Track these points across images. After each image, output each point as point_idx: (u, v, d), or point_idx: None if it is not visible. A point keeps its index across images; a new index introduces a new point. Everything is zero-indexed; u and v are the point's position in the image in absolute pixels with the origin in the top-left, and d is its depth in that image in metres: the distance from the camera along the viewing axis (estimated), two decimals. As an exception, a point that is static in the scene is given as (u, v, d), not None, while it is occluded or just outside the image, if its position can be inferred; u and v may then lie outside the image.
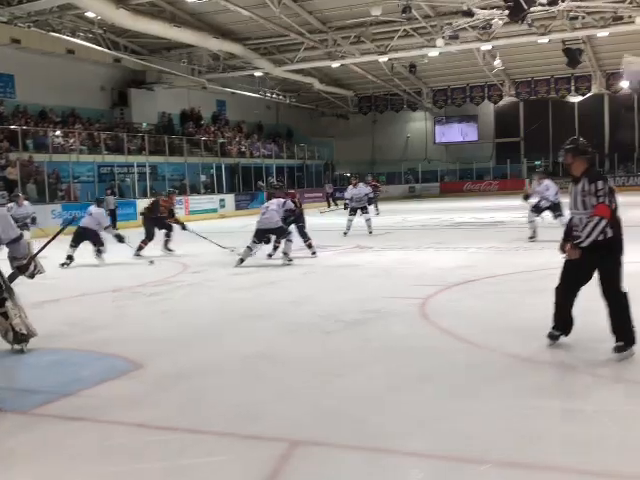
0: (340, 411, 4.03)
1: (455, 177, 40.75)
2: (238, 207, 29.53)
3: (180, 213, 26.08)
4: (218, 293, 8.66)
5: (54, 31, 22.21)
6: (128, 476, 3.29)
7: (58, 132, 24.58)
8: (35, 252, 5.27)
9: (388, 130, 42.32)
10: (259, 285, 9.10)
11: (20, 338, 5.46)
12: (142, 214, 13.99)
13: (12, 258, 5.17)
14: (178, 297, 8.40)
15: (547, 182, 12.78)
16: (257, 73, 30.96)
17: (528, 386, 4.36)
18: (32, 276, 5.25)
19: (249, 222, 16.43)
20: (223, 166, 30.64)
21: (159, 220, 13.33)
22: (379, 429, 3.72)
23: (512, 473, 3.20)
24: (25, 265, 5.13)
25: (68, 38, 22.96)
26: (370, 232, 15.44)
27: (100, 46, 24.40)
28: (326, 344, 5.71)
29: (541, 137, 39.43)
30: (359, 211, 15.81)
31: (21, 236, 5.16)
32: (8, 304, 5.36)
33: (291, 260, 10.88)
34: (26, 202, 14.28)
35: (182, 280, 9.74)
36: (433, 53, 28.43)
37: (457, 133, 42.17)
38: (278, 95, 36.48)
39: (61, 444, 3.70)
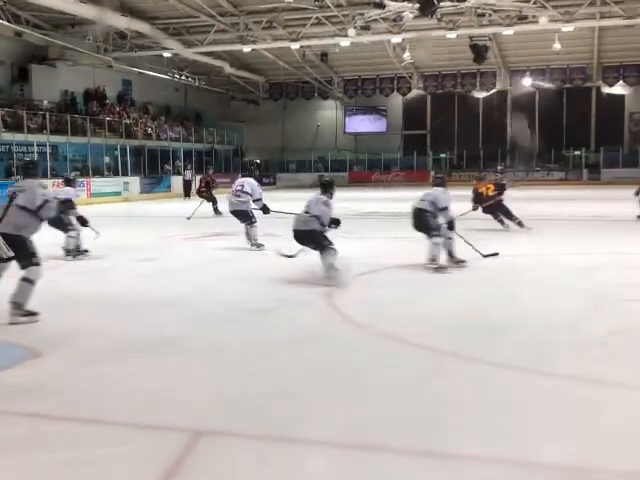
0: (243, 400, 4.00)
1: (364, 167, 41.22)
2: (143, 190, 28.87)
3: (81, 195, 25.32)
4: (121, 279, 8.43)
5: (-51, -1, 20.99)
6: (26, 468, 3.16)
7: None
8: None
9: (299, 117, 42.31)
10: (163, 272, 8.92)
11: None
12: None
13: None
14: (78, 282, 8.12)
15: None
16: (166, 54, 30.29)
17: (430, 374, 4.46)
18: None
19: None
20: (128, 148, 29.82)
21: None
22: (282, 418, 3.72)
23: (413, 461, 3.24)
24: None
25: (-36, 8, 21.75)
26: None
27: (0, 19, 23.21)
28: (230, 333, 5.64)
29: (447, 130, 40.42)
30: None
31: None
32: None
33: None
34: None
35: (83, 264, 9.43)
36: (345, 43, 28.61)
37: (366, 124, 42.60)
38: (187, 77, 35.82)
39: (-52, 437, 3.50)
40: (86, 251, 10.03)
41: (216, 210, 17.76)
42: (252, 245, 10.80)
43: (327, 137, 42.37)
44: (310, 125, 42.73)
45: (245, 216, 10.96)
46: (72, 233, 9.88)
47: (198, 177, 27.63)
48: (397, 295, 7.17)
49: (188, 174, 29.06)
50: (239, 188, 11.08)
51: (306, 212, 8.04)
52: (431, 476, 3.10)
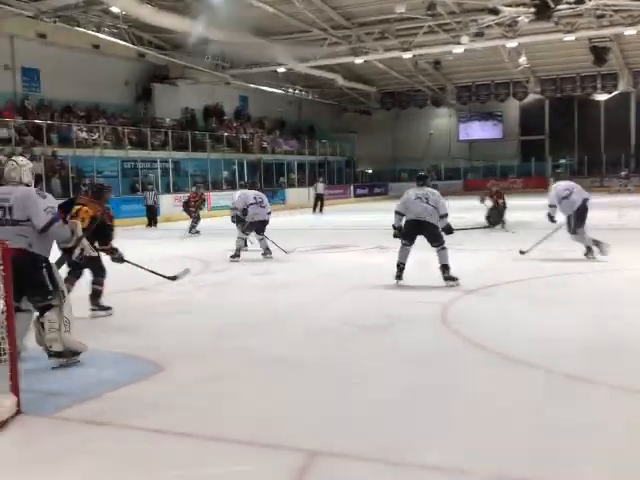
0: (358, 420, 4.01)
1: (479, 175, 40.48)
2: (259, 203, 29.57)
3: (203, 210, 26.27)
4: (239, 294, 8.67)
5: (79, 26, 22.38)
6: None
7: (82, 127, 24.75)
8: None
9: (411, 126, 42.16)
10: (277, 287, 9.11)
11: (51, 354, 5.12)
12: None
13: (57, 242, 5.08)
14: (200, 297, 8.42)
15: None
16: (280, 69, 30.97)
17: (549, 398, 4.32)
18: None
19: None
20: (245, 162, 30.69)
21: None
22: (397, 440, 3.70)
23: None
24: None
25: (93, 33, 23.13)
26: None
27: (125, 41, 24.56)
28: (344, 350, 5.68)
29: (567, 135, 39.10)
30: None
31: (52, 221, 4.89)
32: (49, 315, 5.02)
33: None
34: None
35: (204, 279, 9.77)
36: (458, 50, 28.26)
37: (481, 130, 41.89)
38: (301, 91, 36.48)
39: (81, 450, 3.72)
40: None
41: (193, 229, 17.74)
42: (266, 254, 11.54)
43: (440, 145, 41.97)
44: (422, 134, 42.48)
45: (265, 227, 11.64)
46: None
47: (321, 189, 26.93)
48: (511, 312, 6.99)
49: (320, 187, 27.81)
50: (260, 200, 11.62)
51: (429, 204, 8.39)
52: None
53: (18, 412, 4.15)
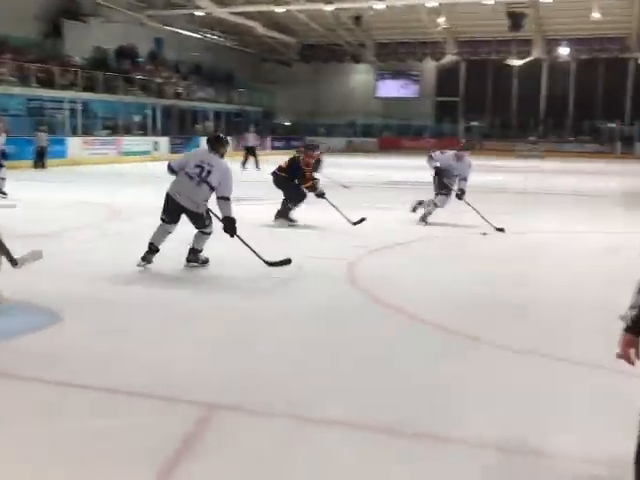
0: (257, 376, 4.03)
1: (394, 133, 40.87)
2: (172, 150, 28.92)
3: (111, 154, 25.50)
4: (142, 245, 8.46)
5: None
6: (45, 437, 3.22)
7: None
8: None
9: (331, 81, 41.96)
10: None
11: None
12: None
13: None
14: (102, 247, 8.17)
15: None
16: (198, 12, 30.08)
17: (443, 356, 4.46)
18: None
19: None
20: (159, 107, 29.85)
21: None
22: (297, 396, 3.74)
23: (430, 446, 3.26)
24: None
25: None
26: None
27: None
28: (248, 303, 5.67)
29: (480, 98, 39.88)
30: None
31: None
32: None
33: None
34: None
35: (109, 228, 9.50)
36: (379, 6, 28.24)
37: (398, 89, 42.16)
38: (219, 37, 35.58)
39: (-29, 401, 3.61)
40: None
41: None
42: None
43: (359, 102, 42.01)
44: (342, 89, 42.36)
45: None
46: None
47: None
48: (421, 271, 7.12)
49: (251, 138, 23.11)
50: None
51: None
52: (435, 458, 3.12)
53: None
